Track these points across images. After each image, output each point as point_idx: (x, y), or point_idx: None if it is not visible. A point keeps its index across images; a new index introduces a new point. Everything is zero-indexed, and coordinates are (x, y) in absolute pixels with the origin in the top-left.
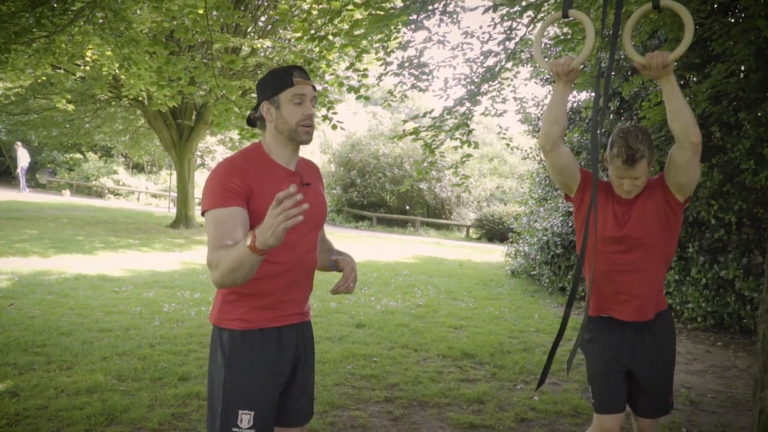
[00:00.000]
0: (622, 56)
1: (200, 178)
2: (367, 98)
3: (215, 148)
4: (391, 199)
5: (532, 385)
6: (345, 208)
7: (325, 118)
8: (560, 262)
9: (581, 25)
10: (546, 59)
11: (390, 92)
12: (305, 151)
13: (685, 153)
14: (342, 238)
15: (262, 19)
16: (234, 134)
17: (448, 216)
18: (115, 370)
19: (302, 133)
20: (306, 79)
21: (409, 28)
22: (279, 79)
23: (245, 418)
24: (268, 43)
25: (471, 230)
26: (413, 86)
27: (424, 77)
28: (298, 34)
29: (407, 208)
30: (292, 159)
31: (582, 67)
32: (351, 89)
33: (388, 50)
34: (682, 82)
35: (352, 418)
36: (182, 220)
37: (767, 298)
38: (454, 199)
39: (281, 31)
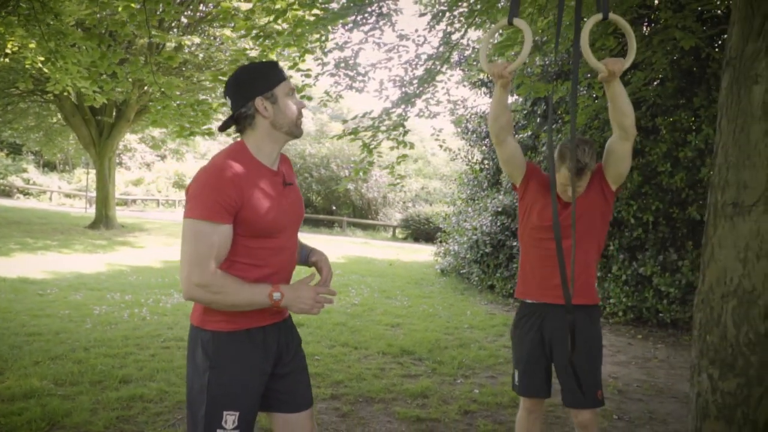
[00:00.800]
0: (548, 61)
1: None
2: (309, 98)
3: (136, 146)
4: (317, 200)
5: (471, 379)
6: None
7: None
8: (489, 261)
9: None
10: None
11: (326, 92)
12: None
13: (627, 144)
14: None
15: (186, 14)
16: (155, 132)
17: (374, 216)
18: (51, 374)
19: (300, 126)
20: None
21: (346, 29)
22: (270, 74)
23: (230, 419)
24: (196, 39)
25: (397, 230)
26: (349, 87)
27: (360, 78)
28: (233, 33)
29: (334, 208)
30: (276, 157)
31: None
32: (295, 88)
33: (325, 50)
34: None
35: None
36: (102, 220)
37: (702, 289)
38: (381, 200)
39: (208, 28)
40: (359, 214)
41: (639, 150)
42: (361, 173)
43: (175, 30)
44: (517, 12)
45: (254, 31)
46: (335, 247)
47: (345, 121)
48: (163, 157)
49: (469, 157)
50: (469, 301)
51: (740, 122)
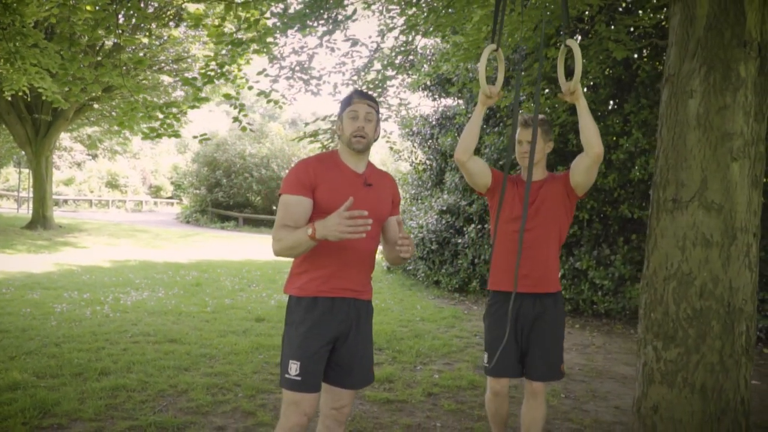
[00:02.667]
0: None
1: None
2: (276, 102)
3: (70, 145)
4: (257, 200)
5: (429, 366)
6: (210, 208)
7: (235, 119)
8: (435, 258)
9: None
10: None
11: (283, 96)
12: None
13: (587, 160)
14: (211, 238)
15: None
16: (90, 129)
17: None
18: (30, 368)
19: (354, 142)
20: (363, 99)
21: (304, 33)
22: (344, 101)
23: (293, 367)
24: (144, 40)
25: None
26: (305, 90)
27: (315, 81)
28: (179, 33)
29: (274, 208)
30: (359, 164)
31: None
32: (261, 93)
33: (283, 54)
34: (547, 90)
35: (278, 400)
36: (39, 221)
37: (647, 273)
38: None
39: (153, 28)
40: None
41: (575, 152)
42: None
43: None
44: (499, 40)
45: (224, 37)
46: None
47: (307, 124)
48: (94, 156)
49: (413, 158)
50: (417, 296)
51: (678, 130)
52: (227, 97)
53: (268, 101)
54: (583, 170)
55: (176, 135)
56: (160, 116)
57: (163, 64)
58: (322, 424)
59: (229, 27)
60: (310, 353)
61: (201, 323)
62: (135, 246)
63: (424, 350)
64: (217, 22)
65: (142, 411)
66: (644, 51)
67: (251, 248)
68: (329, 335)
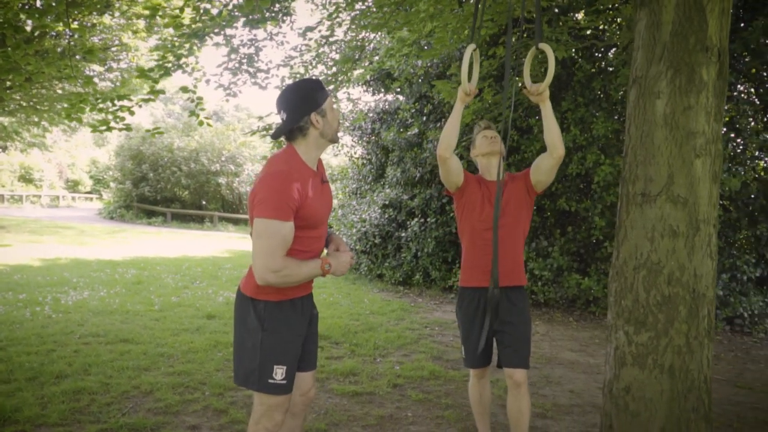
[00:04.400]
0: (431, 63)
1: None
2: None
3: None
4: (184, 194)
5: (388, 358)
6: (135, 203)
7: (192, 113)
8: (378, 251)
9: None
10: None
11: (229, 88)
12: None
13: (550, 160)
14: (139, 234)
15: None
16: (6, 120)
17: (245, 210)
18: None
19: (339, 135)
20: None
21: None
22: (318, 91)
23: (279, 372)
24: (74, 25)
25: None
26: (253, 83)
27: (263, 75)
28: (111, 21)
29: (203, 203)
30: (316, 160)
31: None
32: (220, 86)
33: (235, 47)
34: (495, 93)
35: (247, 396)
36: None
37: (617, 263)
38: None
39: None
40: (230, 209)
41: (516, 147)
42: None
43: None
44: (473, 40)
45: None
46: (215, 242)
47: (260, 118)
48: (4, 149)
49: (353, 153)
50: (363, 290)
51: (646, 129)
52: (185, 90)
53: (228, 95)
54: (547, 170)
55: (128, 128)
56: (111, 108)
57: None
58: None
59: (188, 18)
60: (295, 356)
61: (151, 322)
62: (61, 243)
63: (380, 343)
64: (176, 12)
65: (109, 413)
66: (580, 52)
67: (184, 244)
68: (304, 333)
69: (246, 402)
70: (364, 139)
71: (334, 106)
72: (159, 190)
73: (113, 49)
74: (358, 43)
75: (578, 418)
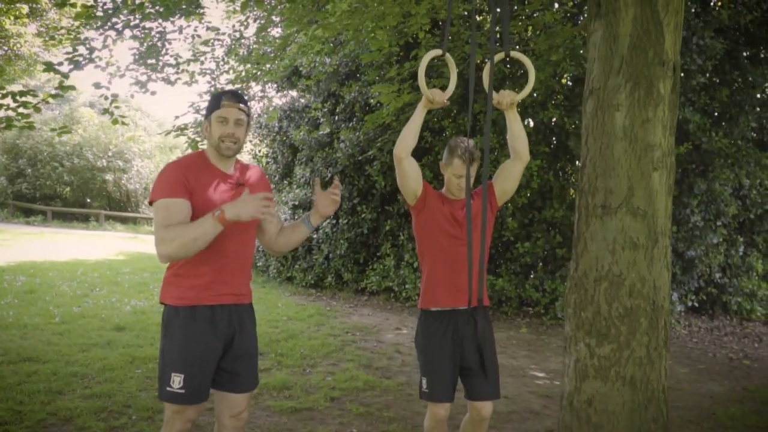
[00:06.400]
0: (339, 62)
1: None
2: (152, 93)
3: None
4: (66, 191)
5: (317, 368)
6: (11, 201)
7: (105, 111)
8: (287, 254)
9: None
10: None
11: (140, 83)
12: None
13: (519, 165)
14: (19, 235)
15: None
16: None
17: (134, 209)
18: None
19: (224, 148)
20: (234, 103)
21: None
22: (213, 102)
23: (176, 380)
24: None
25: None
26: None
27: (171, 69)
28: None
29: (88, 200)
30: (227, 165)
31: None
32: (138, 82)
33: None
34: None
35: None
36: None
37: (575, 275)
38: (142, 191)
39: None
40: (117, 207)
41: (429, 148)
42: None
43: None
44: (445, 45)
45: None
46: (105, 243)
47: (177, 117)
48: None
49: (257, 151)
50: (275, 294)
51: (605, 141)
52: (97, 86)
53: (144, 92)
54: (516, 177)
55: (30, 127)
56: (13, 105)
57: None
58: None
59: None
60: (196, 366)
61: (54, 337)
62: None
63: (306, 352)
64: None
65: None
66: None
67: (72, 246)
68: (213, 344)
69: None
70: (270, 137)
71: (229, 121)
72: (38, 187)
73: None
74: (275, 39)
75: (519, 426)
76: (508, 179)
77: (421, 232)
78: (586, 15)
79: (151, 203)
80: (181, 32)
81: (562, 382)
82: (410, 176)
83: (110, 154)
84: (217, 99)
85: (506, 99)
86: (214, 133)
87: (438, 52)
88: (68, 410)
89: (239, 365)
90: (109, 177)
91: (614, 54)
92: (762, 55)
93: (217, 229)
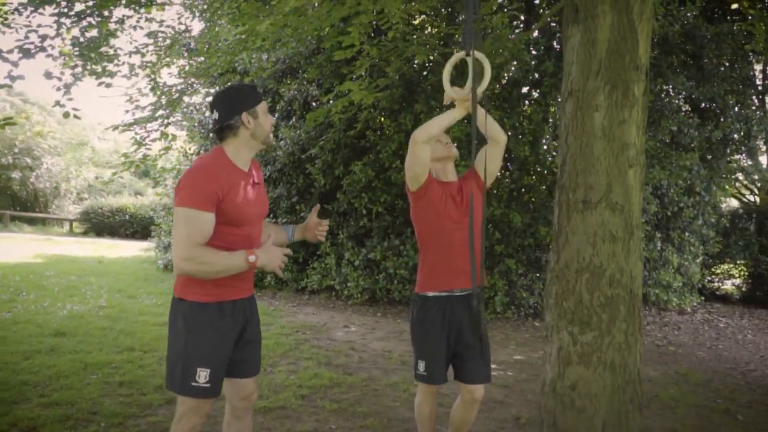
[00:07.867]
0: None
1: None
2: (109, 85)
3: None
4: None
5: (278, 367)
6: None
7: (57, 103)
8: None
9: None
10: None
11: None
12: None
13: (497, 148)
14: None
15: None
16: None
17: (43, 209)
18: None
19: (271, 139)
20: None
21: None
22: (253, 94)
23: (203, 374)
24: None
25: (75, 224)
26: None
27: (114, 64)
28: None
29: None
30: (246, 162)
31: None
32: (94, 73)
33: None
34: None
35: (151, 424)
36: None
37: (557, 267)
38: (52, 191)
39: None
40: (24, 207)
41: (370, 147)
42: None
43: None
44: (473, 46)
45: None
46: (17, 246)
47: (127, 112)
48: None
49: (187, 149)
50: None
51: (585, 140)
52: (48, 76)
53: (99, 84)
54: (497, 158)
55: (11, 123)
56: None
57: None
58: (231, 416)
59: None
60: (221, 359)
61: None
62: None
63: (263, 352)
64: None
65: None
66: (431, 57)
67: None
68: (233, 337)
69: (155, 428)
70: (202, 134)
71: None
72: None
73: None
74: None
75: (488, 415)
76: (491, 161)
77: (422, 219)
78: (540, 20)
79: (178, 205)
80: (122, 22)
81: (544, 369)
82: (422, 162)
83: (16, 150)
84: (254, 90)
85: (461, 94)
86: (265, 125)
87: (462, 55)
88: (30, 419)
89: (248, 352)
90: (15, 175)
91: (593, 58)
92: (683, 65)
93: (245, 269)
